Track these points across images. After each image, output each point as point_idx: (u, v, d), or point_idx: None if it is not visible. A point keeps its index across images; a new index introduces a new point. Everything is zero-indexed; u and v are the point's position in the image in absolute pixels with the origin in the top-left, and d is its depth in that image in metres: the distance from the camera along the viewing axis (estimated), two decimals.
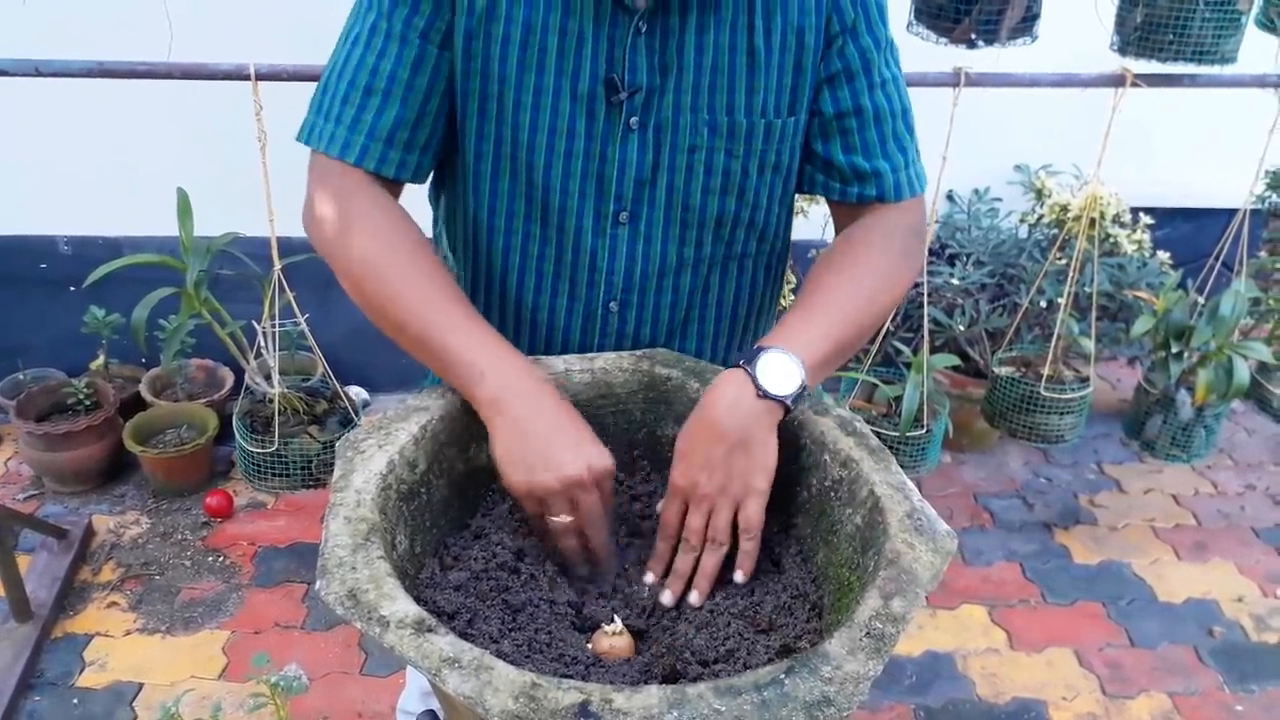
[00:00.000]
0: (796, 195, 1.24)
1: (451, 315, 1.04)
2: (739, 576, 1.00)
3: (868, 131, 1.14)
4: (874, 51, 1.13)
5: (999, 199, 3.00)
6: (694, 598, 1.00)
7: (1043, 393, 2.35)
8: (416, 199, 1.28)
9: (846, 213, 1.20)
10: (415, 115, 1.09)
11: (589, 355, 1.15)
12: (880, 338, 2.32)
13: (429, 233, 1.29)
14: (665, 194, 1.14)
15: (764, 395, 0.99)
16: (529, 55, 1.07)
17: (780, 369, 1.00)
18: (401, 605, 0.80)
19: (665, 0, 1.06)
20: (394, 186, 1.14)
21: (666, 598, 1.01)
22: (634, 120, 1.10)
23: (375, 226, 1.08)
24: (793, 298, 2.08)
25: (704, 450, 0.99)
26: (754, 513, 0.99)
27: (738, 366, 1.01)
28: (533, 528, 1.02)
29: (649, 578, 1.04)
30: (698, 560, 1.01)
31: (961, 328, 2.75)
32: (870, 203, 1.17)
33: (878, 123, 1.14)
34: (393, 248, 1.07)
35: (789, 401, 0.99)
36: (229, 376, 2.90)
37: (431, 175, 1.28)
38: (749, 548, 1.00)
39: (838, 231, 1.22)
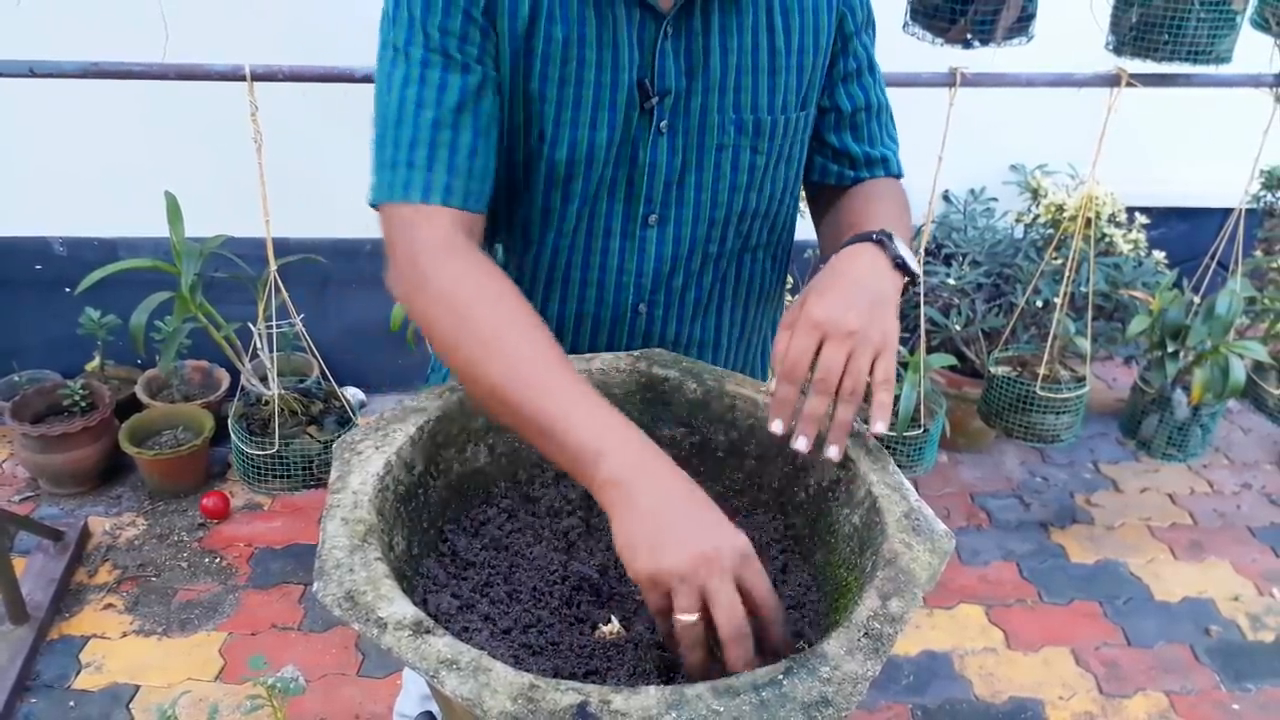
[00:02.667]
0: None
1: (561, 390, 0.92)
2: (880, 427, 0.95)
3: (873, 123, 1.23)
4: (872, 49, 1.22)
5: (995, 199, 3.00)
6: (833, 452, 0.95)
7: (1039, 392, 2.36)
8: None
9: (842, 192, 1.25)
10: (485, 142, 1.05)
11: (587, 356, 1.15)
12: None
13: None
14: (694, 193, 1.16)
15: (898, 265, 1.02)
16: (569, 70, 1.07)
17: (905, 248, 1.04)
18: (399, 607, 0.80)
19: (690, 2, 1.08)
20: (477, 221, 1.07)
21: (801, 444, 0.94)
22: (663, 124, 1.11)
23: (480, 304, 0.97)
24: (790, 298, 2.08)
25: (846, 292, 0.97)
26: (891, 366, 0.96)
27: (869, 241, 1.03)
28: (664, 638, 0.85)
29: (776, 426, 0.95)
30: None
31: (958, 327, 2.75)
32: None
33: (880, 114, 1.24)
34: (499, 328, 0.95)
35: (916, 276, 1.04)
36: (225, 378, 2.90)
37: None
38: (886, 399, 0.96)
39: (818, 209, 1.28)
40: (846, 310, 0.95)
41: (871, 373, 0.96)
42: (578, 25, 1.06)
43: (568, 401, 0.91)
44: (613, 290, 1.20)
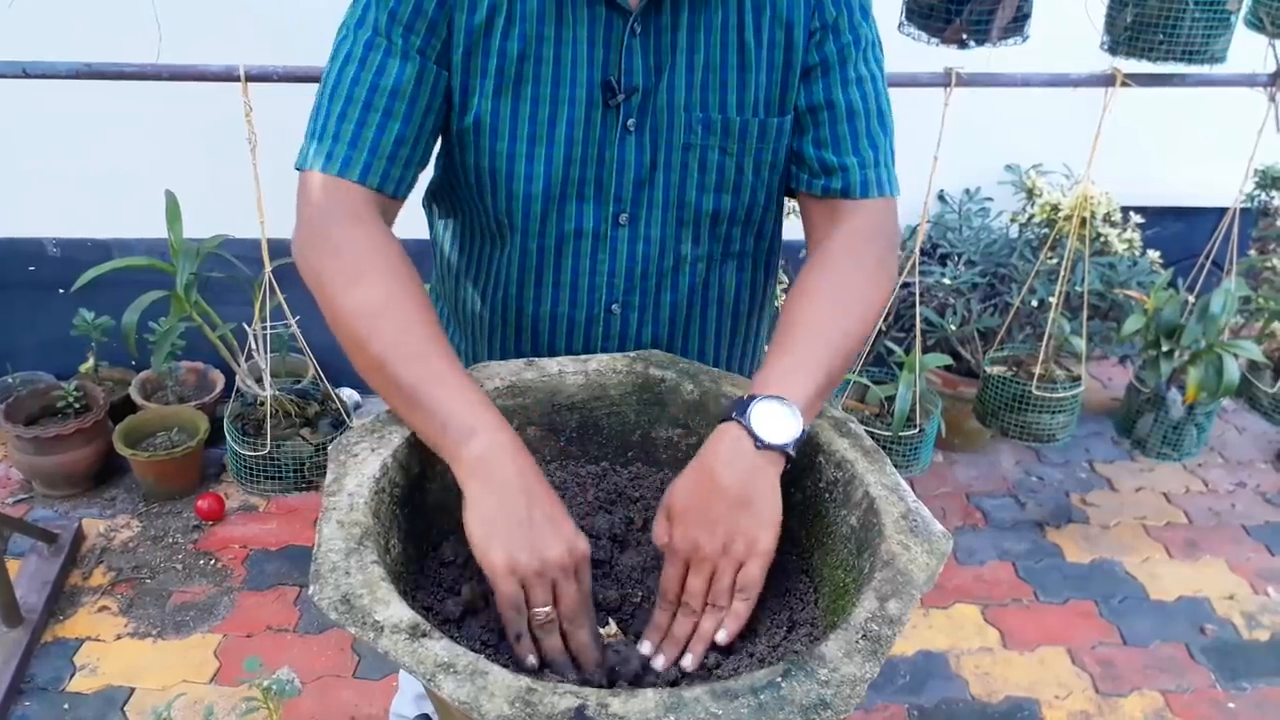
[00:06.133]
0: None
1: (448, 372, 0.96)
2: (722, 637, 0.93)
3: (839, 126, 1.13)
4: (852, 48, 1.13)
5: (990, 199, 3.00)
6: (688, 661, 0.93)
7: (1034, 392, 2.36)
8: (412, 211, 1.28)
9: (816, 209, 1.17)
10: (415, 132, 1.08)
11: (583, 357, 1.14)
12: (872, 338, 2.32)
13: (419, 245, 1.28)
14: (663, 193, 1.15)
15: (763, 446, 0.93)
16: (526, 69, 1.07)
17: (775, 416, 0.94)
18: (396, 610, 0.80)
19: None
20: (390, 205, 1.11)
21: (660, 662, 0.93)
22: (631, 122, 1.10)
23: (375, 271, 1.01)
24: (784, 297, 2.08)
25: (703, 508, 0.93)
26: (756, 573, 0.93)
27: (731, 420, 0.95)
28: (501, 614, 0.89)
29: (645, 647, 0.95)
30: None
31: (953, 327, 2.76)
32: (836, 197, 1.15)
33: (850, 118, 1.13)
34: (393, 297, 1.00)
35: (790, 450, 0.94)
36: (220, 379, 2.89)
37: (426, 188, 1.28)
38: (741, 609, 0.93)
39: (808, 233, 1.19)
40: (702, 532, 0.92)
41: (735, 581, 0.93)
42: (536, 23, 1.06)
43: (448, 378, 0.96)
44: (585, 291, 1.19)
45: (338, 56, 1.08)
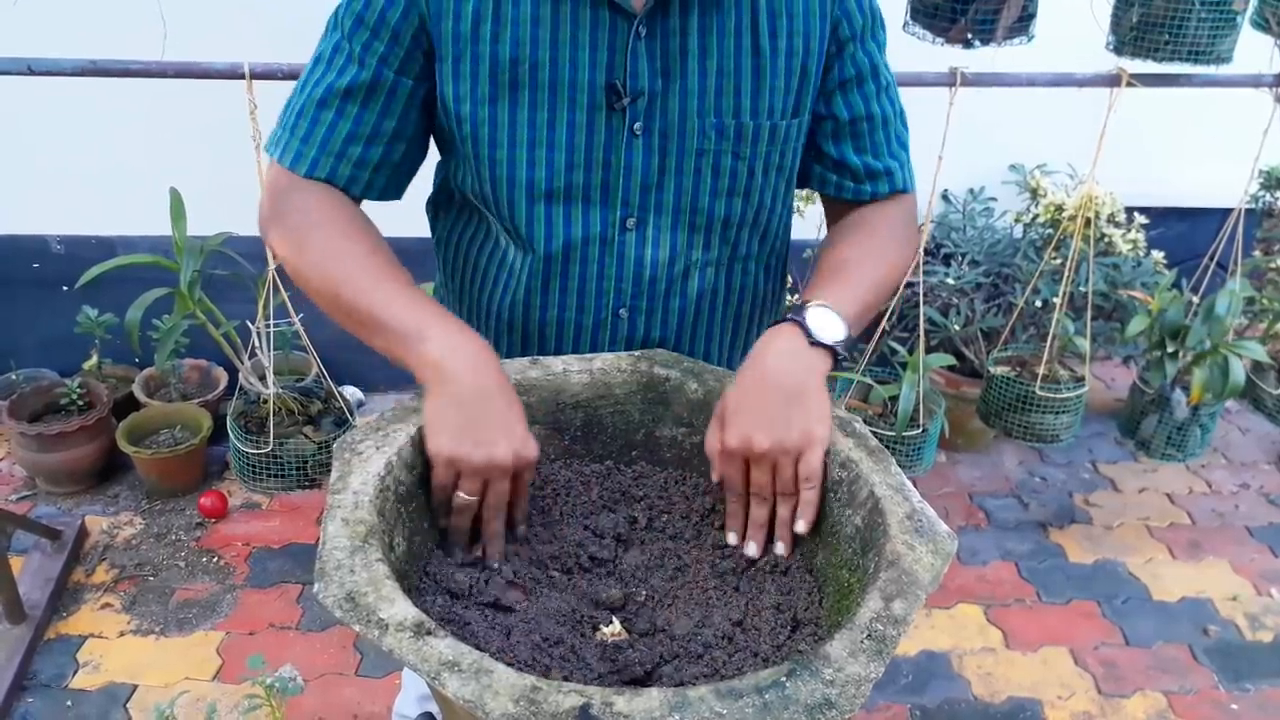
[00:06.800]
0: (795, 194, 1.24)
1: (399, 289, 1.04)
2: (800, 527, 0.99)
3: (877, 134, 1.19)
4: (878, 56, 1.17)
5: (994, 199, 3.00)
6: (780, 548, 1.01)
7: (1038, 392, 2.36)
8: (414, 211, 1.28)
9: (851, 206, 1.23)
10: (367, 133, 1.11)
11: (588, 356, 1.14)
12: (876, 338, 2.32)
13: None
14: (673, 198, 1.14)
15: (816, 343, 1.01)
16: (520, 73, 1.07)
17: (826, 318, 1.03)
18: (400, 608, 0.80)
19: (665, 1, 1.06)
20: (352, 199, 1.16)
21: (751, 550, 1.01)
22: (638, 125, 1.09)
23: (326, 223, 1.09)
24: (791, 299, 2.08)
25: (758, 405, 0.98)
26: (815, 463, 0.98)
27: (785, 321, 1.03)
28: (431, 494, 0.99)
29: (732, 537, 1.03)
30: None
31: (957, 327, 2.75)
32: (881, 200, 1.22)
33: (885, 124, 1.20)
34: (344, 239, 1.08)
35: (839, 349, 1.02)
36: (223, 377, 2.89)
37: (429, 196, 1.29)
38: (810, 497, 0.99)
39: (832, 221, 1.26)
40: (757, 430, 0.98)
41: (796, 472, 0.99)
42: (530, 26, 1.05)
43: (399, 294, 1.02)
44: (593, 296, 1.19)
45: (313, 55, 1.13)
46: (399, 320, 1.00)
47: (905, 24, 2.05)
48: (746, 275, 1.25)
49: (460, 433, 0.96)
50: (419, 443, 0.99)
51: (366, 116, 1.10)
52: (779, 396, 0.98)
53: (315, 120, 1.10)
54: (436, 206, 1.29)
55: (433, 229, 1.32)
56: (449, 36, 1.06)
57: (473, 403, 0.96)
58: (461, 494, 0.96)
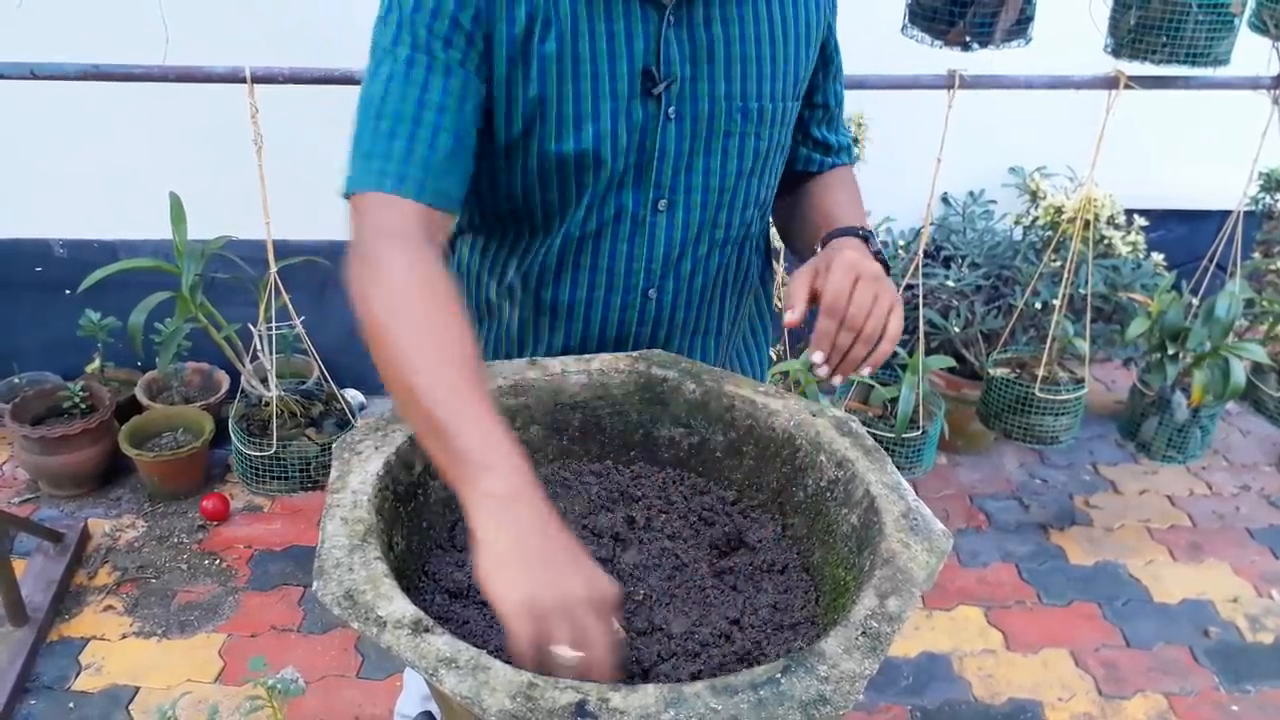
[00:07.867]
0: None
1: (470, 400, 0.91)
2: (865, 371, 1.08)
3: (839, 113, 1.35)
4: (836, 37, 1.29)
5: (994, 201, 3.01)
6: (865, 370, 1.08)
7: (1038, 394, 2.36)
8: None
9: (810, 177, 1.35)
10: (463, 145, 1.08)
11: (586, 356, 1.15)
12: None
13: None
14: (702, 178, 1.19)
15: (880, 259, 1.14)
16: (565, 68, 1.10)
17: (870, 243, 1.17)
18: (399, 606, 0.80)
19: None
20: (442, 221, 1.08)
21: (824, 371, 1.07)
22: (671, 110, 1.14)
23: (420, 301, 0.97)
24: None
25: (857, 260, 1.07)
26: (896, 325, 1.07)
27: (854, 235, 1.16)
28: (522, 659, 0.80)
29: (817, 356, 1.07)
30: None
31: (957, 329, 2.76)
32: (840, 168, 1.37)
33: (840, 104, 1.35)
34: (433, 327, 0.95)
35: (890, 269, 1.15)
36: (225, 380, 2.90)
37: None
38: (885, 349, 1.07)
39: (786, 191, 1.35)
40: (864, 268, 1.07)
41: (886, 324, 1.07)
42: (570, 21, 1.09)
43: (472, 412, 0.89)
44: (623, 275, 1.22)
45: (378, 77, 1.07)
46: (466, 442, 0.88)
47: (904, 27, 2.06)
48: (755, 253, 1.33)
49: (530, 574, 0.81)
50: (417, 442, 1.00)
51: (461, 127, 1.06)
52: (870, 273, 1.07)
53: (412, 138, 1.04)
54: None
55: (457, 220, 1.31)
56: (504, 40, 1.08)
57: (536, 540, 0.83)
58: (562, 653, 0.78)
